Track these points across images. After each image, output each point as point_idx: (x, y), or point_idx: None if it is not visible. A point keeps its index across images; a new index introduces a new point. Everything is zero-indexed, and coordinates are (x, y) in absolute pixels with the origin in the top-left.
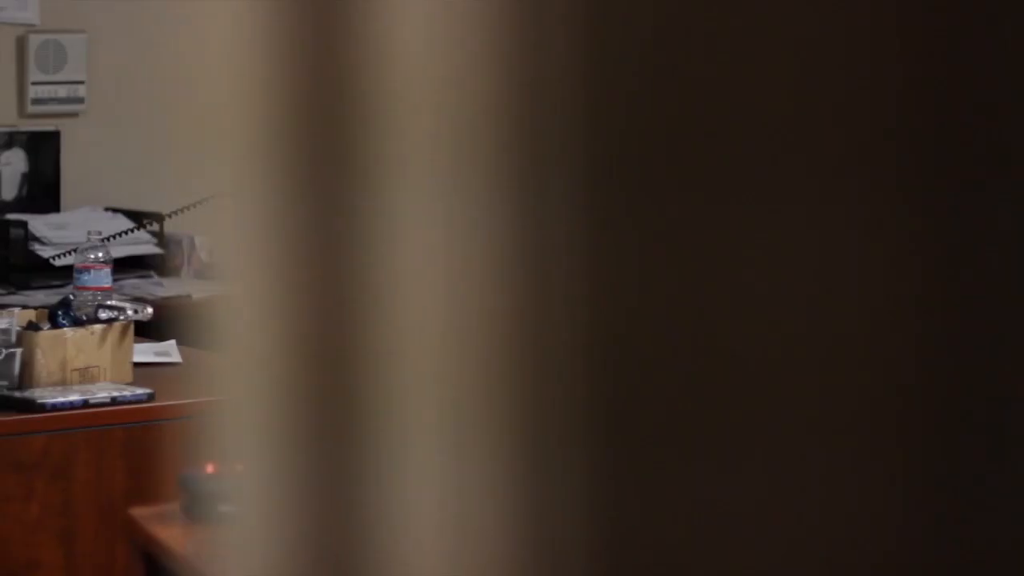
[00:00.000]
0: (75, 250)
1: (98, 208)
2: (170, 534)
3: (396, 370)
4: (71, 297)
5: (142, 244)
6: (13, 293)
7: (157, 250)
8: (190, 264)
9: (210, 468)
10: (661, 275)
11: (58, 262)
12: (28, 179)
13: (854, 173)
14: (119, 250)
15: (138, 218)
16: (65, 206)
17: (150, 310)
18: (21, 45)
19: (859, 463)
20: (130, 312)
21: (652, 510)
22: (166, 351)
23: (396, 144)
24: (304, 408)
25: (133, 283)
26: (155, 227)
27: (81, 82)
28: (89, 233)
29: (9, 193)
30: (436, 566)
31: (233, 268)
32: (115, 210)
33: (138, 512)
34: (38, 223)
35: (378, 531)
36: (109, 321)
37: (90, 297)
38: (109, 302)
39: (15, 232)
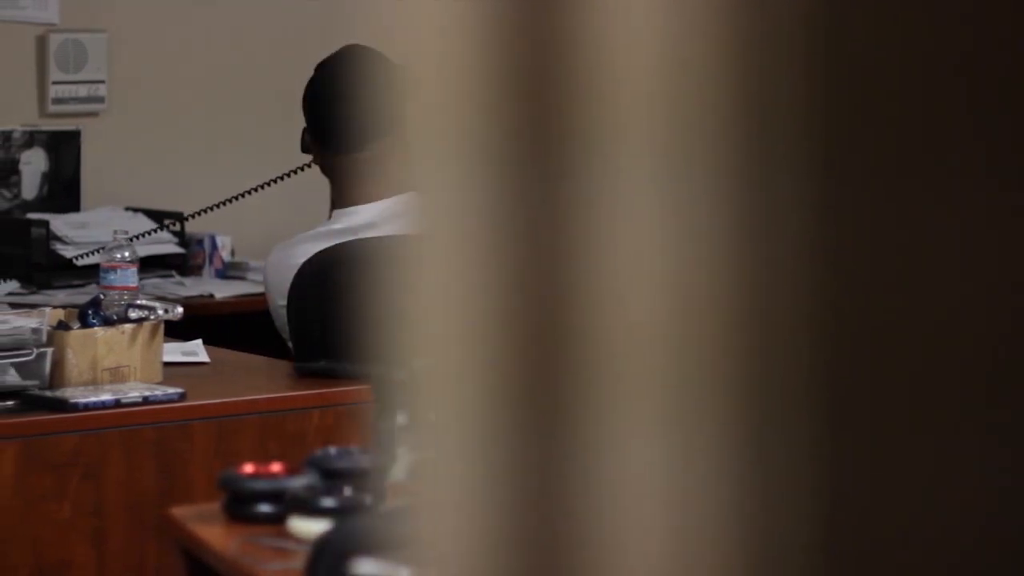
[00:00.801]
0: (99, 250)
1: (118, 208)
2: (212, 533)
3: (612, 353)
4: (101, 296)
5: (163, 243)
6: (34, 292)
7: (178, 249)
8: (211, 263)
9: (250, 468)
10: (885, 258)
11: (81, 262)
12: (48, 178)
13: None
14: (141, 250)
15: (159, 218)
16: (85, 206)
17: (180, 310)
18: (41, 44)
19: None
20: (160, 312)
21: (874, 495)
22: (193, 351)
23: (618, 128)
24: (514, 388)
25: (154, 282)
26: (176, 227)
27: (102, 81)
28: (115, 232)
29: (29, 192)
30: (654, 557)
31: (439, 247)
32: (135, 210)
33: (178, 511)
34: (59, 222)
35: (590, 520)
36: (139, 320)
37: (119, 296)
38: (139, 301)
39: (36, 231)
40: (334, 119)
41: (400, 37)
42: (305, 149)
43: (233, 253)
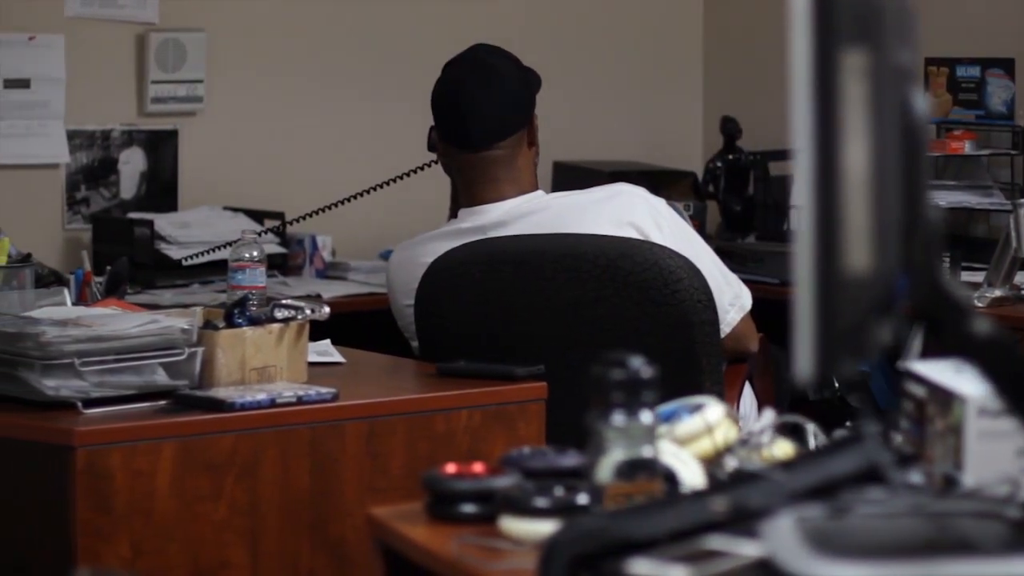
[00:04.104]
0: (212, 250)
1: (216, 207)
2: (420, 534)
3: None
4: (249, 296)
5: (266, 243)
6: (139, 292)
7: (280, 249)
8: (311, 263)
9: (452, 468)
10: None
11: (191, 262)
12: (146, 178)
13: None
14: None
15: (258, 217)
16: (182, 205)
17: (327, 310)
18: (141, 44)
19: None
20: (308, 311)
21: None
22: (325, 350)
23: None
24: None
25: None
26: (279, 228)
27: (200, 81)
28: (243, 231)
29: (128, 192)
30: None
31: None
32: (234, 209)
33: (380, 512)
34: (162, 222)
35: None
36: (286, 320)
37: (259, 296)
38: (285, 301)
39: (140, 231)
40: (463, 118)
41: None
42: (431, 147)
43: (334, 253)
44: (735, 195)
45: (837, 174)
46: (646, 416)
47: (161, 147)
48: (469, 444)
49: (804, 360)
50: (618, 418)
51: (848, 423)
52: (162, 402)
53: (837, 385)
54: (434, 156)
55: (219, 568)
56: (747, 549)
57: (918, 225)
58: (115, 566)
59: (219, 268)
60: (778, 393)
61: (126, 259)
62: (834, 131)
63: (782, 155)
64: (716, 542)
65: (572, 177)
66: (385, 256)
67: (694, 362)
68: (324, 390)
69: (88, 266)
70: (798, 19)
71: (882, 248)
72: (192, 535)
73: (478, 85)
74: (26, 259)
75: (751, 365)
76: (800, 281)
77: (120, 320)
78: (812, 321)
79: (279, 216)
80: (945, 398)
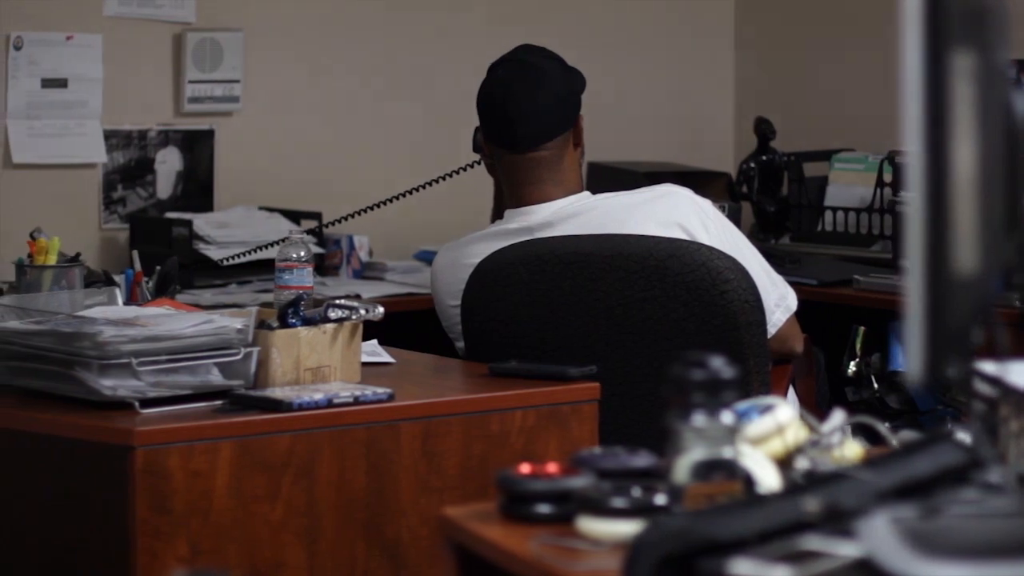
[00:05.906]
0: (253, 251)
1: (252, 207)
2: (497, 534)
3: None
4: (303, 296)
5: None
6: (179, 292)
7: (318, 249)
8: (348, 264)
9: (527, 468)
10: None
11: (230, 263)
12: (183, 178)
13: None
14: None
15: (295, 218)
16: (218, 205)
17: (380, 310)
18: (178, 43)
19: None
20: (362, 312)
21: None
22: (374, 351)
23: None
24: None
25: None
26: (318, 228)
27: (237, 81)
28: (291, 231)
29: (164, 192)
30: None
31: None
32: (270, 209)
33: (453, 512)
34: (200, 222)
35: None
36: (340, 320)
37: (306, 296)
38: (339, 301)
39: (178, 231)
40: (509, 119)
41: None
42: (477, 148)
43: (371, 254)
44: (769, 196)
45: (948, 176)
46: (726, 416)
47: (197, 147)
48: (523, 444)
49: (915, 361)
50: (698, 418)
51: (887, 424)
52: (218, 402)
53: (876, 386)
54: (478, 157)
55: (276, 568)
56: (842, 549)
57: (1019, 226)
58: (174, 566)
59: (257, 268)
60: (819, 394)
61: (175, 259)
62: (945, 132)
63: (816, 156)
64: (809, 542)
65: (606, 178)
66: (421, 256)
67: (742, 363)
68: (380, 390)
69: (138, 266)
70: (910, 20)
71: (987, 249)
72: (249, 535)
73: (524, 86)
74: (75, 259)
75: (795, 366)
76: (911, 283)
77: (175, 320)
78: (923, 322)
79: (316, 216)
80: (1020, 399)
